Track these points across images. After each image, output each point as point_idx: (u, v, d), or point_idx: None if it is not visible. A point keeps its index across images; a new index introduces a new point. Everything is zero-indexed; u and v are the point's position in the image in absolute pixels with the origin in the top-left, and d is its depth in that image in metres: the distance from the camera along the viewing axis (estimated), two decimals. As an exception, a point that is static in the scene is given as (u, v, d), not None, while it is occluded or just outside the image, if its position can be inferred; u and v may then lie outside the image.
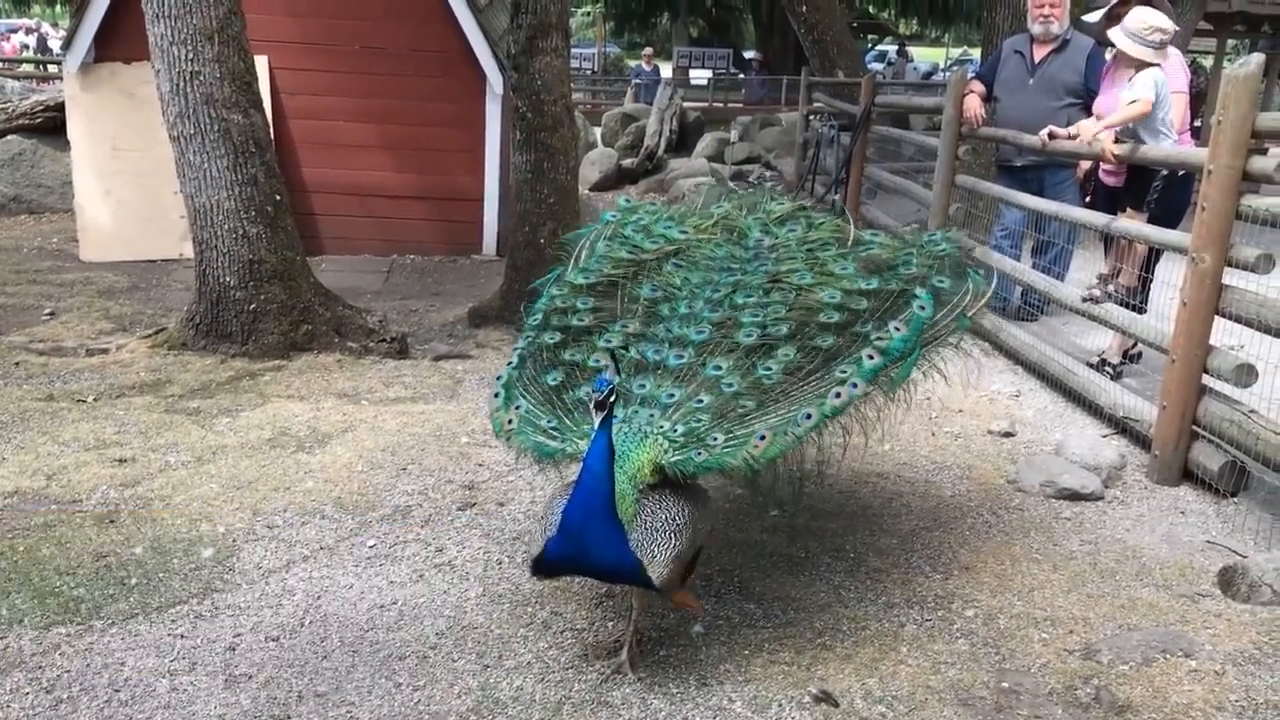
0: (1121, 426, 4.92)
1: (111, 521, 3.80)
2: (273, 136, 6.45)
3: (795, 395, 3.03)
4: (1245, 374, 4.09)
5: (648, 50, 24.76)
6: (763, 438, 2.90)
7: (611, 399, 2.71)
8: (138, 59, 7.81)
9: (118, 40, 8.29)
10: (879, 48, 36.04)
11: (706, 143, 15.18)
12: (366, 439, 4.66)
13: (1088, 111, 5.83)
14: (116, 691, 2.84)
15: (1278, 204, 4.01)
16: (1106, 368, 5.53)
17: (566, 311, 3.41)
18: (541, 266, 4.35)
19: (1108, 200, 5.57)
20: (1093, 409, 5.19)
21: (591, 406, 2.75)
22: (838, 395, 3.00)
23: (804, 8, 12.91)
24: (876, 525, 3.98)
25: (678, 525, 2.79)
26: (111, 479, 4.15)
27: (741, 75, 29.95)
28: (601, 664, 3.00)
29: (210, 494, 4.06)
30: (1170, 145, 5.07)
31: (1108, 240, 5.71)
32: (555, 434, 3.07)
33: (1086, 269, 6.33)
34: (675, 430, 2.95)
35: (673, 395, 3.05)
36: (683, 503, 2.86)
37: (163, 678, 2.91)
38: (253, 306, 5.79)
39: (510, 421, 3.13)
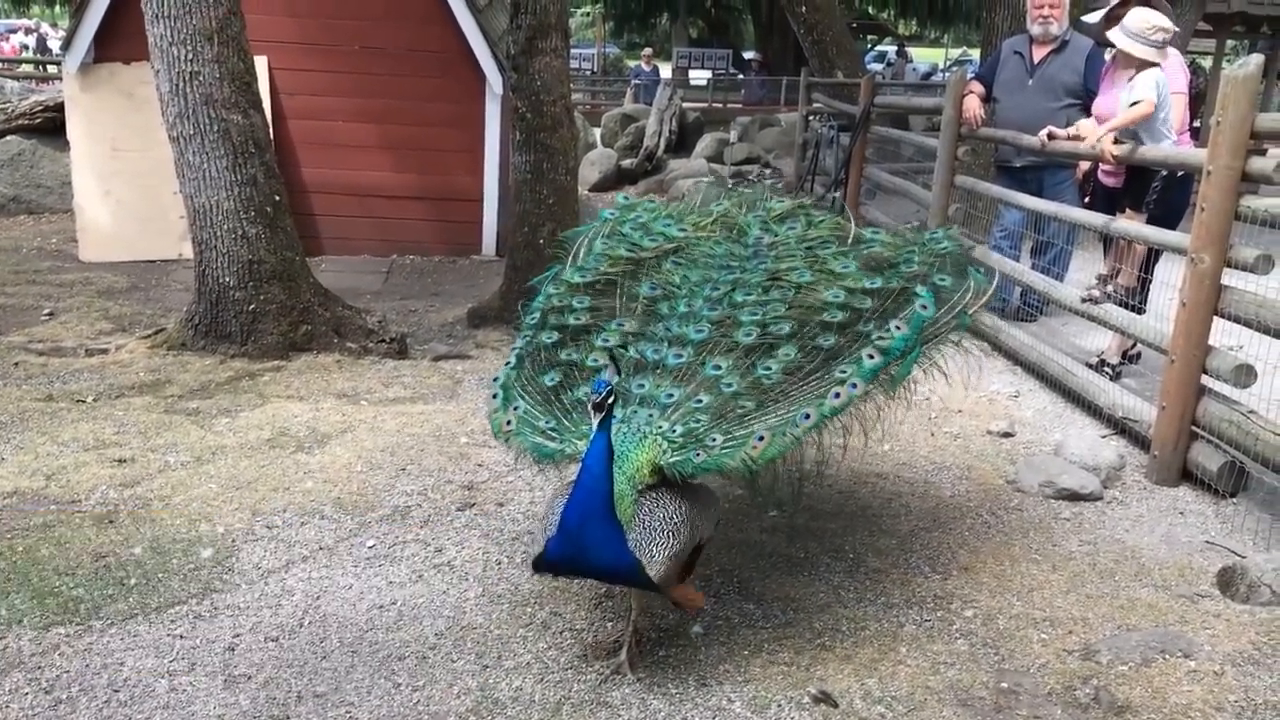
0: (1120, 427, 4.92)
1: (111, 522, 3.80)
2: (272, 137, 6.45)
3: (795, 395, 3.02)
4: (1244, 374, 4.09)
5: (647, 51, 24.76)
6: (761, 438, 2.89)
7: (610, 401, 2.71)
8: (137, 59, 7.81)
9: (117, 41, 8.29)
10: (878, 48, 36.02)
11: (706, 143, 15.16)
12: (366, 439, 4.66)
13: (1087, 112, 5.83)
14: (116, 692, 2.84)
15: (1277, 205, 4.01)
16: (1106, 368, 5.53)
17: (564, 310, 3.40)
18: (541, 267, 4.34)
19: (1107, 201, 5.58)
20: (1092, 409, 5.19)
21: (590, 408, 2.75)
22: (837, 395, 2.99)
23: (803, 8, 12.91)
24: (876, 525, 3.98)
25: (675, 524, 2.78)
26: (111, 479, 4.15)
27: (741, 76, 29.94)
28: (601, 664, 3.00)
29: (209, 494, 4.06)
30: (1169, 146, 5.07)
31: (1107, 241, 5.71)
32: (554, 435, 3.06)
33: (1086, 269, 6.33)
34: (674, 431, 2.94)
35: (672, 395, 3.04)
36: (681, 502, 2.85)
37: (162, 678, 2.91)
38: (252, 307, 5.79)
39: (509, 422, 3.13)
